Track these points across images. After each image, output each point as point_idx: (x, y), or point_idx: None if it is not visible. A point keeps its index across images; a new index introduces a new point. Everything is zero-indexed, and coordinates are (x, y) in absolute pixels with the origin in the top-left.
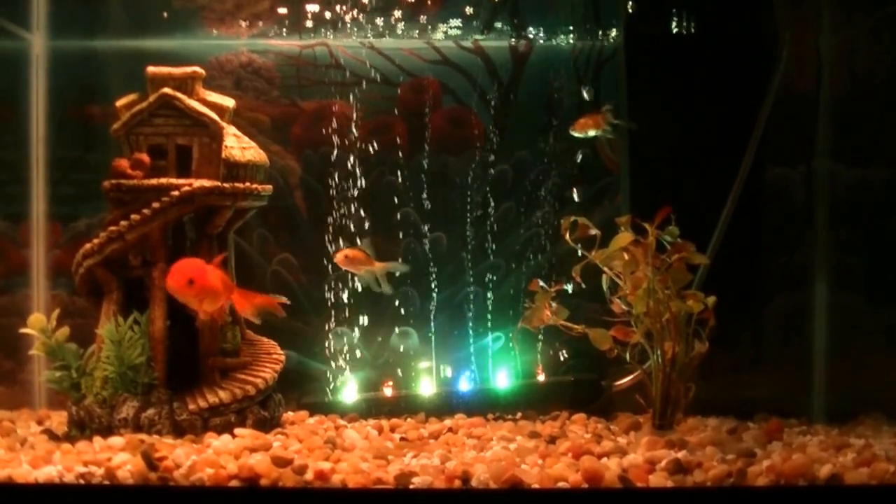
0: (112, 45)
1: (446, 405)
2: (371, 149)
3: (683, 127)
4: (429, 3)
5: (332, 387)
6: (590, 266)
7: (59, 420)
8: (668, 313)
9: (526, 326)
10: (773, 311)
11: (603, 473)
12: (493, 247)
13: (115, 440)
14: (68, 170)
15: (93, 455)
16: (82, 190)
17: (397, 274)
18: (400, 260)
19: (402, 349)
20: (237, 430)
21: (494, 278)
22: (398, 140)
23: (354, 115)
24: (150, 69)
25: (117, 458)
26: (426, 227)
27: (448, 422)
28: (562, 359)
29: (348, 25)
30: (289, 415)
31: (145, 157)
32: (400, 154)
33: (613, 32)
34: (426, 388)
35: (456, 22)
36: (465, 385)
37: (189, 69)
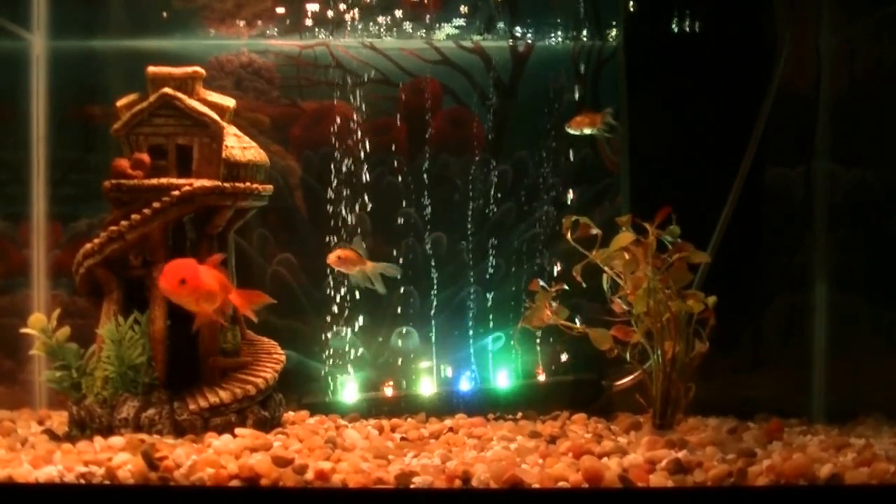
0: (112, 45)
1: (447, 405)
2: (370, 149)
3: (683, 127)
4: (428, 3)
5: (332, 387)
6: (590, 266)
7: (59, 420)
8: (669, 313)
9: (526, 326)
10: (773, 311)
11: (603, 473)
12: (494, 245)
13: (116, 440)
14: (69, 170)
15: (93, 455)
16: (83, 190)
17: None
18: (400, 260)
19: (402, 349)
20: (238, 430)
21: (494, 278)
22: (398, 140)
23: (355, 116)
24: (151, 69)
25: (118, 457)
26: (426, 228)
27: (448, 422)
28: (561, 359)
29: (348, 25)
30: (289, 414)
31: (145, 157)
32: (400, 154)
33: (613, 32)
34: (427, 387)
35: (457, 22)
36: (465, 385)
37: (189, 69)
